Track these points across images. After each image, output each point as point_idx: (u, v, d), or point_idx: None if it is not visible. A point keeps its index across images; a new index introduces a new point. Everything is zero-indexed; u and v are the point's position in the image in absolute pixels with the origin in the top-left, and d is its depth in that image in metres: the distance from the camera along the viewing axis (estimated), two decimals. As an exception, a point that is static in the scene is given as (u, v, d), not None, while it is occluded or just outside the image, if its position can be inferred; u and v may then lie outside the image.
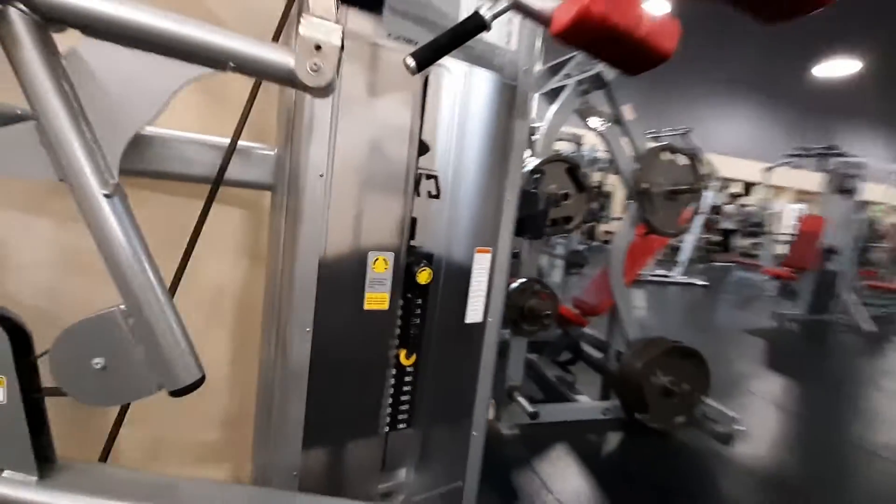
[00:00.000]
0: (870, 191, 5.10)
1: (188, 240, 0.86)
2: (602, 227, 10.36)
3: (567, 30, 0.80)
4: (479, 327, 1.20)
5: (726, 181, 10.78)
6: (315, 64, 0.56)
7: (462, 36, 0.83)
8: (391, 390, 1.10)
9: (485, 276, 1.17)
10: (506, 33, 1.09)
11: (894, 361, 3.85)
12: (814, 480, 1.88)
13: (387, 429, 1.12)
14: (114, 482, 0.64)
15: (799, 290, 5.11)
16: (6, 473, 0.58)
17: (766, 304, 5.54)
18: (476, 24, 0.82)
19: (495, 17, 0.82)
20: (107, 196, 0.55)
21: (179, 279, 0.86)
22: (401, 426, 1.14)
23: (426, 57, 0.81)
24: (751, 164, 10.75)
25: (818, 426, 2.42)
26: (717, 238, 10.97)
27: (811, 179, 8.33)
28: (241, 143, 0.91)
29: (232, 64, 0.57)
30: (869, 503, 1.77)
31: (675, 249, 7.19)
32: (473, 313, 1.18)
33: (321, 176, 0.90)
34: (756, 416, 2.39)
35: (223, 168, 0.81)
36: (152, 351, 0.59)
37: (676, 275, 6.50)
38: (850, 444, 2.21)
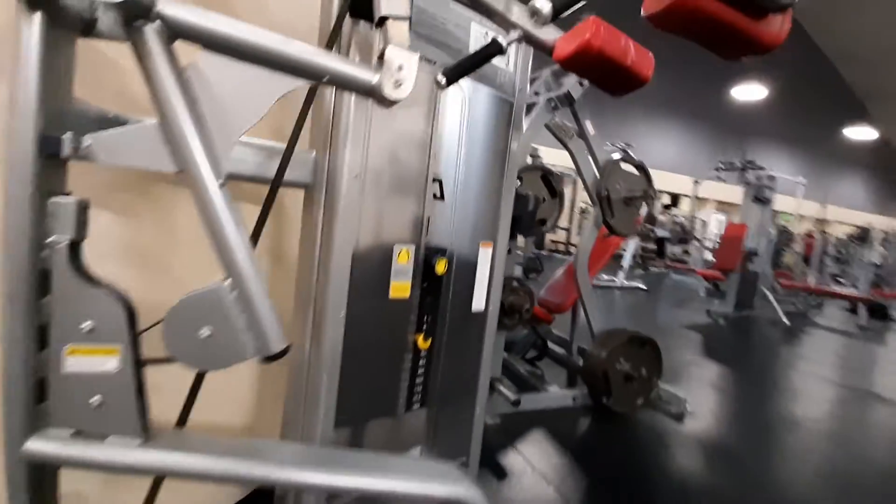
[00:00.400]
0: (780, 201, 5.82)
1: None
2: (549, 237, 10.85)
3: (569, 58, 0.97)
4: (482, 315, 1.34)
5: (658, 193, 11.72)
6: (398, 81, 0.69)
7: (483, 59, 0.99)
8: (409, 372, 1.21)
9: (487, 268, 1.32)
10: (505, 56, 1.26)
11: (806, 348, 4.41)
12: (748, 446, 2.21)
13: (404, 409, 1.23)
14: (204, 444, 0.71)
15: (726, 290, 5.70)
16: (112, 438, 0.65)
17: (699, 303, 6.11)
18: (495, 50, 0.98)
19: (510, 44, 0.98)
20: (221, 186, 0.64)
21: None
22: (415, 406, 1.25)
23: (454, 75, 0.96)
24: (678, 177, 11.77)
25: (748, 402, 2.78)
26: (651, 246, 11.86)
27: (731, 192, 9.28)
28: (278, 145, 1.00)
29: (326, 78, 0.68)
30: (792, 462, 2.08)
31: (618, 257, 7.74)
32: (478, 302, 1.32)
33: (356, 176, 1.02)
34: (698, 397, 2.69)
35: (282, 169, 0.90)
36: (251, 321, 0.68)
37: (619, 280, 6.99)
38: (775, 415, 2.57)
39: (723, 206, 13.48)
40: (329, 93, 1.01)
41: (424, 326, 1.20)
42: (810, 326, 5.50)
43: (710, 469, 1.96)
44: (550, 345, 2.99)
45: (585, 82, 2.00)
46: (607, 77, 1.03)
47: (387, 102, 0.72)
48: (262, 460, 0.70)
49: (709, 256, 8.13)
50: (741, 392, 2.99)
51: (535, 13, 0.83)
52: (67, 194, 0.60)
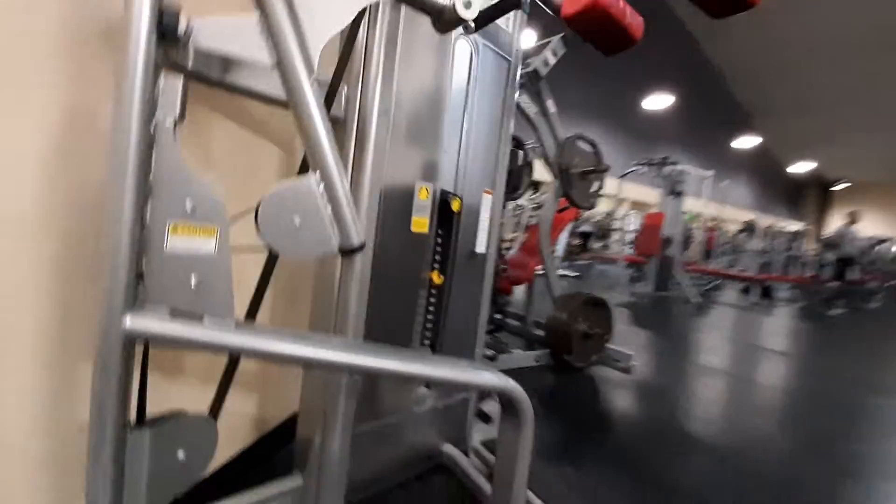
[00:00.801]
0: (688, 202, 6.58)
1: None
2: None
3: (576, 15, 1.12)
4: (483, 257, 1.44)
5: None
6: (468, 1, 0.77)
7: (504, 9, 1.10)
8: (424, 308, 1.28)
9: (489, 213, 1.42)
10: (506, 17, 1.37)
11: (713, 318, 5.05)
12: (673, 385, 2.68)
13: (419, 342, 1.29)
14: (286, 334, 0.74)
15: (647, 273, 6.32)
16: (208, 319, 0.66)
17: (623, 287, 6.71)
18: (515, 2, 1.09)
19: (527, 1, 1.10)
20: (312, 81, 0.69)
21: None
22: (426, 341, 1.32)
23: (482, 21, 1.06)
24: (600, 177, 12.70)
25: (671, 357, 3.24)
26: (577, 241, 12.72)
27: (645, 192, 10.26)
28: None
29: (406, -3, 0.75)
30: (705, 392, 2.59)
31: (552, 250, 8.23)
32: (480, 245, 1.42)
33: (385, 111, 1.07)
34: (635, 355, 3.05)
35: (329, 101, 0.94)
36: (336, 214, 0.73)
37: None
38: (690, 364, 3.03)
39: (637, 205, 14.80)
40: (361, 33, 1.06)
41: (438, 263, 1.27)
42: (714, 304, 6.28)
43: (649, 402, 2.34)
44: (509, 319, 3.18)
45: (551, 61, 2.18)
46: (606, 35, 1.19)
47: (454, 22, 0.80)
48: (343, 349, 0.75)
49: (627, 250, 8.93)
50: (666, 350, 3.46)
51: None
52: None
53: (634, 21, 1.16)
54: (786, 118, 15.01)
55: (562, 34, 2.20)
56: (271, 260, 0.89)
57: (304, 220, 0.70)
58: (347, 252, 0.75)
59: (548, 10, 1.18)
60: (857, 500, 1.53)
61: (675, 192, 5.96)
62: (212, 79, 0.79)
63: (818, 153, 16.77)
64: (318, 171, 0.71)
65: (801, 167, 17.70)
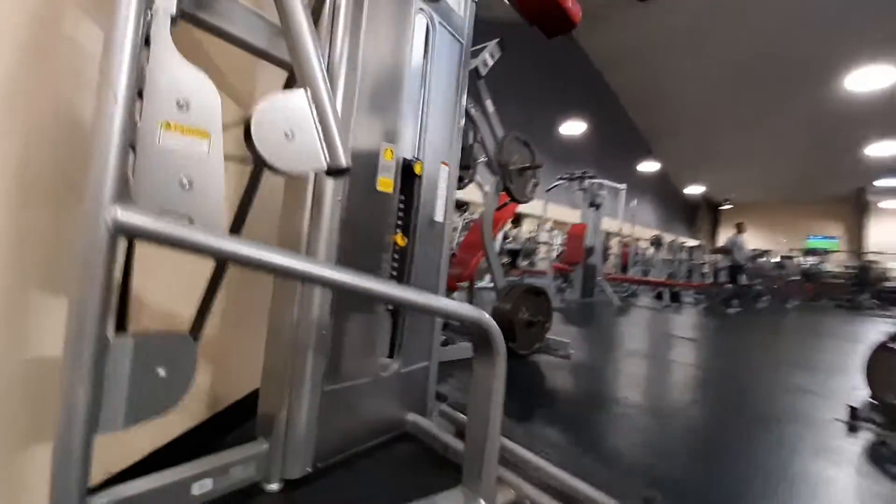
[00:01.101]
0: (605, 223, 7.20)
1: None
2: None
3: (523, -7, 1.24)
4: (441, 226, 1.49)
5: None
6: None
7: None
8: (387, 272, 1.30)
9: (445, 184, 1.49)
10: (455, 1, 1.48)
11: (633, 317, 5.51)
12: (600, 365, 2.97)
13: (382, 307, 1.30)
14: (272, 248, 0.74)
15: (574, 281, 6.73)
16: (198, 221, 0.65)
17: (553, 295, 7.06)
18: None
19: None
20: (305, 5, 0.72)
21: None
22: (389, 307, 1.34)
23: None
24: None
25: (602, 346, 3.56)
26: (506, 259, 13.24)
27: (567, 213, 10.99)
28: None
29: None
30: (628, 369, 2.89)
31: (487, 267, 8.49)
32: (439, 213, 1.47)
33: (354, 69, 1.11)
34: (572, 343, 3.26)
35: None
36: (324, 132, 0.75)
37: (490, 282, 7.67)
38: (618, 350, 3.40)
39: (559, 224, 15.76)
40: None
41: (401, 225, 1.31)
42: (633, 307, 6.83)
43: (585, 378, 2.59)
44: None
45: (490, 62, 2.34)
46: (548, 15, 1.33)
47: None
48: (326, 266, 0.76)
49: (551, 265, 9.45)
50: (597, 341, 3.75)
51: None
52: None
53: (574, 7, 1.31)
54: (677, 145, 16.98)
55: (498, 39, 2.38)
56: (255, 176, 0.88)
57: (296, 134, 0.72)
58: (335, 172, 0.77)
59: (499, -9, 1.31)
60: (729, 429, 1.88)
61: (594, 203, 6.47)
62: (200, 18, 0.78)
63: (706, 178, 19.10)
64: (308, 89, 0.73)
65: (694, 189, 20.02)
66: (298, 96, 0.72)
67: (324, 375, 1.14)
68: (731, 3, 10.27)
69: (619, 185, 6.76)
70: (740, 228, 8.25)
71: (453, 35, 1.47)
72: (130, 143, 0.59)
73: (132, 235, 0.59)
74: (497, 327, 1.02)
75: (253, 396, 1.20)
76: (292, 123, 0.71)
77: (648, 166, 16.68)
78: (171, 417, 1.12)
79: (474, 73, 2.31)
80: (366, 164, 1.19)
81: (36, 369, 0.76)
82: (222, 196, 0.66)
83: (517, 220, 15.33)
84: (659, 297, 8.39)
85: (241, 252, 0.66)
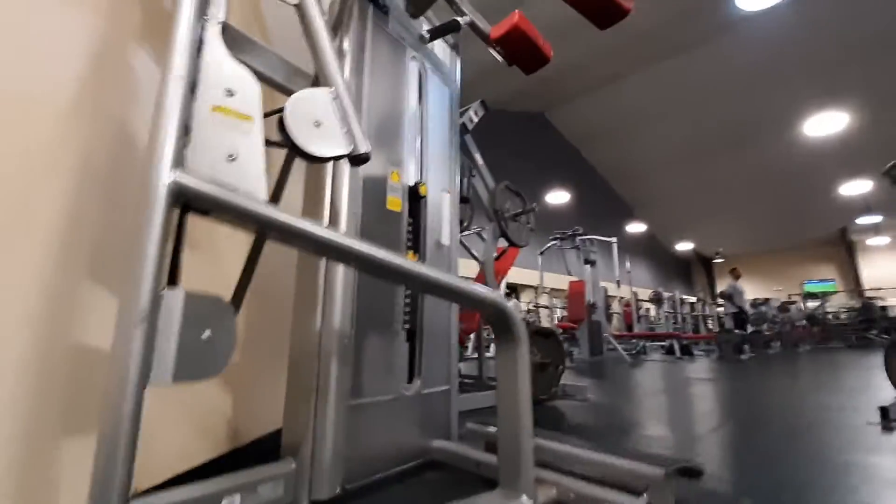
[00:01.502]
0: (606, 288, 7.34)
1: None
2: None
3: (502, 36, 1.44)
4: (448, 249, 1.56)
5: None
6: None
7: (448, 30, 1.40)
8: (402, 288, 1.34)
9: (448, 210, 1.59)
10: (443, 55, 1.69)
11: (647, 370, 5.36)
12: (622, 404, 2.82)
13: (400, 325, 1.33)
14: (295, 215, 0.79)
15: (580, 340, 6.64)
16: (242, 191, 0.72)
17: (561, 357, 6.91)
18: (455, 25, 1.40)
19: (463, 24, 1.42)
20: (323, 19, 0.86)
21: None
22: (405, 325, 1.36)
23: (433, 35, 1.35)
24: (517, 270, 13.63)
25: (619, 392, 3.41)
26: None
27: (562, 280, 11.16)
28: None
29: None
30: (645, 407, 2.76)
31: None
32: (445, 236, 1.55)
33: (359, 106, 1.26)
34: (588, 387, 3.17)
35: None
36: (345, 124, 0.85)
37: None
38: (635, 393, 3.25)
39: (556, 292, 15.82)
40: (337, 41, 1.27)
41: (411, 243, 1.38)
42: (644, 362, 6.68)
43: (608, 416, 2.42)
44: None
45: (475, 118, 2.58)
46: (525, 53, 1.53)
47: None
48: (355, 240, 0.82)
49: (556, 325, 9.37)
50: (613, 389, 3.62)
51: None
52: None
53: (545, 45, 1.52)
54: (659, 207, 17.71)
55: (481, 99, 2.65)
56: (287, 166, 0.96)
57: (323, 123, 0.82)
58: (356, 158, 0.86)
59: (479, 37, 1.51)
60: (734, 444, 1.77)
61: (588, 260, 6.61)
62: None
63: (693, 234, 19.69)
64: (333, 89, 0.85)
65: (683, 246, 20.50)
66: (324, 92, 0.83)
67: (348, 389, 1.14)
68: (687, 80, 11.37)
69: (609, 239, 6.96)
70: (735, 274, 8.36)
71: (443, 81, 1.66)
72: (187, 123, 0.68)
73: (187, 197, 0.65)
74: (516, 312, 1.05)
75: (276, 435, 1.17)
76: (320, 114, 0.82)
77: (635, 227, 17.21)
78: (193, 446, 1.09)
79: (462, 128, 2.54)
80: (375, 187, 1.29)
81: (81, 359, 0.78)
82: (262, 170, 0.74)
83: (514, 291, 15.43)
84: (670, 351, 8.22)
85: (278, 218, 0.73)
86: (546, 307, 9.17)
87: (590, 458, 1.13)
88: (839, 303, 14.42)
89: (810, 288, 16.64)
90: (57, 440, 0.76)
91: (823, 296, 13.56)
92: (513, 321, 1.04)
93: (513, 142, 11.37)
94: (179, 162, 0.66)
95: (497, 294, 1.02)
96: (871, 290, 14.24)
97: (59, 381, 0.77)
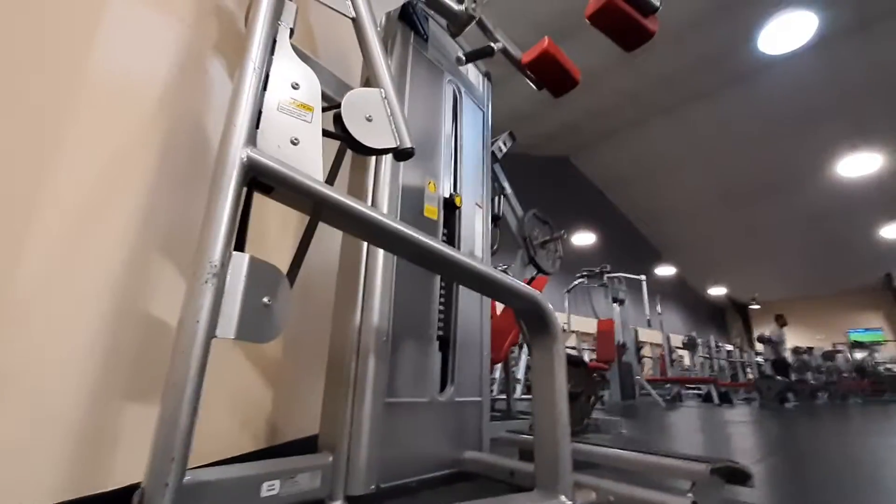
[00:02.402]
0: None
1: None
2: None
3: (533, 60, 1.54)
4: (479, 260, 1.59)
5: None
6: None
7: (483, 55, 1.50)
8: (437, 297, 1.37)
9: (481, 223, 1.63)
10: (476, 80, 1.80)
11: (682, 414, 5.09)
12: (655, 441, 2.58)
13: (433, 333, 1.35)
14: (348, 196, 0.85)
15: (611, 382, 6.39)
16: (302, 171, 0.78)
17: (591, 400, 6.65)
18: (490, 50, 1.51)
19: (496, 51, 1.52)
20: (376, 32, 0.96)
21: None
22: (440, 332, 1.38)
23: (468, 59, 1.45)
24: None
25: (655, 430, 3.25)
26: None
27: (589, 323, 10.94)
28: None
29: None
30: (678, 448, 2.51)
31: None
32: (478, 248, 1.59)
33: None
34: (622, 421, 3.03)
35: None
36: (394, 120, 0.93)
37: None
38: (665, 434, 3.07)
39: (584, 335, 15.40)
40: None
41: (447, 251, 1.42)
42: (680, 407, 6.34)
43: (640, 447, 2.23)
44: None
45: (504, 148, 2.68)
46: (555, 76, 1.62)
47: (467, 22, 1.15)
48: (402, 226, 0.87)
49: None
50: (649, 428, 3.43)
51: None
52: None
53: (573, 67, 1.60)
54: (688, 253, 17.36)
55: (509, 131, 2.76)
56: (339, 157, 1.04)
57: (374, 118, 0.89)
58: (401, 152, 0.93)
59: (511, 62, 1.61)
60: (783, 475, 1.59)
61: (616, 299, 6.48)
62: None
63: (726, 279, 19.07)
64: (382, 90, 0.93)
65: (716, 291, 19.82)
66: (375, 92, 0.91)
67: (385, 387, 1.15)
68: (712, 125, 11.44)
69: (638, 277, 6.83)
70: (781, 322, 7.92)
71: (476, 104, 1.76)
72: (259, 109, 0.76)
73: (256, 171, 0.72)
74: (551, 308, 1.06)
75: (312, 440, 1.18)
76: (371, 110, 0.90)
77: (664, 270, 16.84)
78: (234, 436, 1.12)
79: (492, 157, 2.63)
80: (413, 195, 1.36)
81: (148, 329, 0.84)
82: (320, 155, 0.81)
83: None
84: (707, 398, 7.79)
85: (334, 195, 0.79)
86: (574, 348, 8.92)
87: (630, 459, 1.10)
88: (889, 354, 13.51)
89: (856, 336, 15.69)
90: (120, 403, 0.80)
91: (871, 345, 12.74)
92: (548, 317, 1.05)
93: (538, 185, 11.56)
94: (251, 141, 0.73)
95: (531, 290, 1.05)
96: (924, 339, 13.30)
97: (128, 348, 0.82)
